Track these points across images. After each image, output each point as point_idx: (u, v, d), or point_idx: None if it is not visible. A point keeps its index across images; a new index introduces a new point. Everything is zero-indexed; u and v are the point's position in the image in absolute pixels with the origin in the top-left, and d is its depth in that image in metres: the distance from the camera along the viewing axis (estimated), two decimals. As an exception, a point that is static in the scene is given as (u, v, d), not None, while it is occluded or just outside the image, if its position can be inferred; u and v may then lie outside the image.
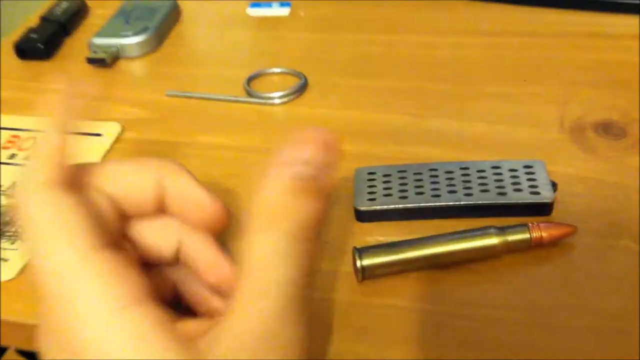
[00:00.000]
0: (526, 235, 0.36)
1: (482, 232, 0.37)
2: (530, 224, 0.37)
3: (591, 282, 0.36)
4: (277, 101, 0.51)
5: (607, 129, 0.45)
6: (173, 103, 0.52)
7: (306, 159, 0.27)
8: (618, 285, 0.35)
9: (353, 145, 0.46)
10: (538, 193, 0.39)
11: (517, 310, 0.35)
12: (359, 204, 0.40)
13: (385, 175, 0.42)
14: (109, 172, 0.29)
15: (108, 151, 0.48)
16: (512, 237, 0.36)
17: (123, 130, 0.50)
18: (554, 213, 0.39)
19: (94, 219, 0.25)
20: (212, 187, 0.43)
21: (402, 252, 0.37)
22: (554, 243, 0.37)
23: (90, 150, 0.47)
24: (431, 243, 0.37)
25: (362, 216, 0.40)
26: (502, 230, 0.36)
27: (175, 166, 0.30)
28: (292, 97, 0.51)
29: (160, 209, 0.30)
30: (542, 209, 0.39)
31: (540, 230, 0.36)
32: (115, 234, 0.28)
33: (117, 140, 0.49)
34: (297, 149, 0.28)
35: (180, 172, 0.30)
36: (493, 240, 0.36)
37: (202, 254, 0.30)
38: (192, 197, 0.30)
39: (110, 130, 0.49)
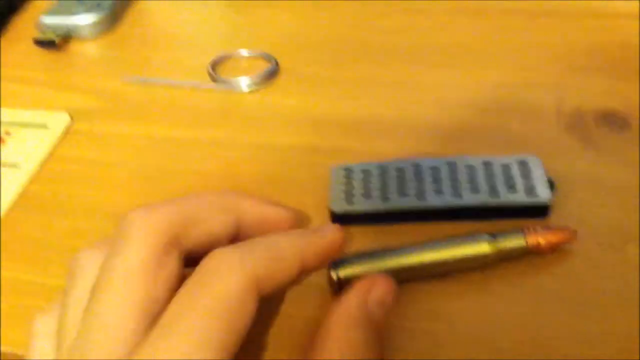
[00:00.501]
0: (522, 242, 0.32)
1: (473, 238, 0.33)
2: (526, 229, 0.32)
3: (593, 296, 0.32)
4: (244, 88, 0.46)
5: (608, 119, 0.41)
6: (129, 90, 0.47)
7: (379, 300, 0.28)
8: (625, 300, 0.31)
9: (329, 140, 0.42)
10: (534, 193, 0.35)
11: (512, 328, 0.31)
12: (334, 206, 0.36)
13: (364, 173, 0.37)
14: (189, 221, 0.27)
15: (54, 145, 0.42)
16: (506, 244, 0.32)
17: (72, 121, 0.45)
18: (551, 215, 0.35)
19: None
20: (171, 184, 0.39)
21: (382, 262, 0.32)
22: (552, 250, 0.33)
23: (34, 144, 0.42)
24: (415, 252, 0.32)
25: (338, 219, 0.36)
26: (495, 237, 0.32)
27: (247, 199, 0.30)
28: (261, 83, 0.46)
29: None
30: (538, 211, 0.35)
31: (537, 236, 0.32)
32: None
33: (66, 132, 0.44)
34: (373, 288, 0.29)
35: (252, 202, 0.30)
36: (485, 248, 0.32)
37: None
38: (267, 222, 0.30)
39: (57, 121, 0.44)
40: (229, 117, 0.44)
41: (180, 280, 0.26)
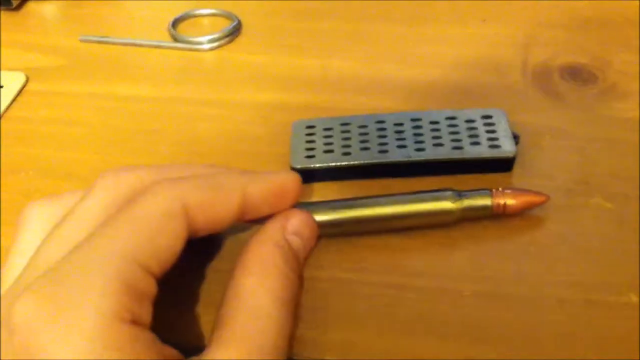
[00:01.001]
0: (487, 202, 0.31)
1: (438, 194, 0.32)
2: (493, 190, 0.32)
3: (559, 247, 0.31)
4: (206, 46, 0.45)
5: (575, 73, 0.40)
6: (87, 49, 0.46)
7: (294, 231, 0.29)
8: (589, 251, 0.31)
9: (292, 97, 0.41)
10: (498, 146, 0.34)
11: (475, 281, 0.30)
12: (295, 162, 0.35)
13: (326, 129, 0.37)
14: (195, 202, 0.26)
15: (10, 105, 0.41)
16: (471, 203, 0.32)
17: (28, 80, 0.43)
18: (516, 168, 0.35)
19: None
20: (131, 144, 0.38)
21: (343, 212, 0.32)
22: (519, 212, 0.32)
23: (-12, 105, 0.40)
24: (377, 203, 0.32)
25: (301, 176, 0.35)
26: (460, 195, 0.32)
27: (251, 175, 0.29)
28: (223, 41, 0.45)
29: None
30: (503, 165, 0.35)
31: (504, 198, 0.31)
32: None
33: (22, 92, 0.42)
34: (288, 220, 0.30)
35: (258, 176, 0.29)
36: (449, 205, 0.31)
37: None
38: (273, 192, 0.29)
39: (13, 80, 0.43)
40: (190, 75, 0.43)
41: (179, 244, 0.26)
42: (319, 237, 0.32)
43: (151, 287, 0.25)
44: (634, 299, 0.29)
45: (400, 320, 0.29)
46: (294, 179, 0.30)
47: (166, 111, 0.41)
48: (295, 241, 0.29)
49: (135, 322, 0.23)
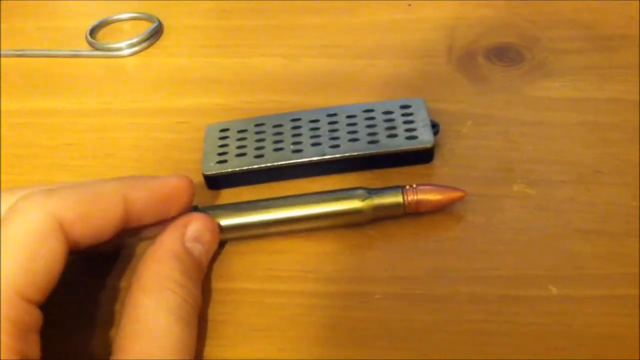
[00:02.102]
0: (399, 199, 0.30)
1: (347, 193, 0.30)
2: (406, 187, 0.30)
3: (478, 241, 0.30)
4: (126, 52, 0.43)
5: (501, 54, 0.39)
6: (4, 64, 0.44)
7: (194, 236, 0.28)
8: (509, 242, 0.30)
9: (210, 98, 0.39)
10: (415, 137, 0.33)
11: (387, 283, 0.29)
12: (206, 169, 0.33)
13: (240, 132, 0.35)
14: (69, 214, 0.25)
15: None
16: (382, 201, 0.30)
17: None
18: (436, 159, 0.33)
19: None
20: (46, 160, 0.37)
21: (247, 214, 0.30)
22: (435, 210, 0.30)
23: None
24: (284, 204, 0.30)
25: (212, 182, 0.34)
26: (370, 193, 0.30)
27: (135, 186, 0.27)
28: (143, 45, 0.43)
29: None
30: (422, 156, 0.33)
31: (417, 194, 0.30)
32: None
33: None
34: (186, 226, 0.28)
35: (142, 185, 0.27)
36: (358, 204, 0.30)
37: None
38: (161, 200, 0.28)
39: None
40: (109, 84, 0.42)
41: (58, 263, 0.24)
42: (224, 243, 0.30)
43: (36, 318, 0.24)
44: (554, 291, 0.28)
45: (312, 330, 0.28)
46: (182, 183, 0.28)
47: (83, 123, 0.39)
48: (197, 248, 0.28)
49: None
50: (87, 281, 0.30)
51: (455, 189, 0.30)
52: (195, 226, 0.28)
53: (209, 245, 0.29)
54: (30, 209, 0.24)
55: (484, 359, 0.26)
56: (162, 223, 0.28)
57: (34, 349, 0.23)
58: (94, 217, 0.25)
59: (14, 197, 0.25)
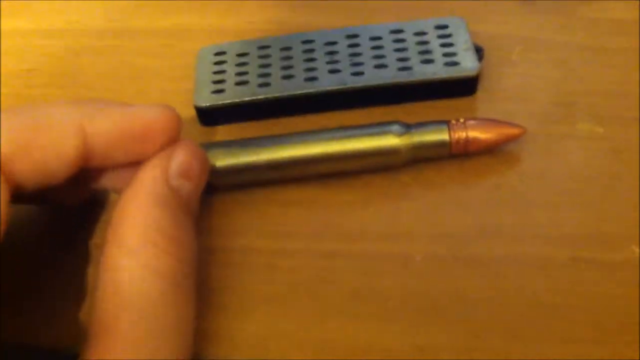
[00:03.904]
0: (444, 137, 0.24)
1: (380, 129, 0.24)
2: (452, 122, 0.24)
3: (538, 191, 0.24)
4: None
5: (549, -31, 0.32)
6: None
7: (181, 171, 0.21)
8: (577, 193, 0.24)
9: (201, 18, 0.33)
10: (457, 63, 0.27)
11: (430, 241, 0.23)
12: (199, 100, 0.27)
13: (240, 55, 0.29)
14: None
15: None
16: (423, 139, 0.24)
17: None
18: (479, 91, 0.27)
19: None
20: (15, 87, 0.30)
21: (253, 153, 0.24)
22: (485, 150, 0.25)
23: None
24: (300, 141, 0.24)
25: (206, 116, 0.28)
26: (408, 128, 0.24)
27: (99, 111, 0.21)
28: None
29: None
30: (463, 87, 0.27)
31: (467, 131, 0.24)
32: None
33: None
34: (170, 159, 0.21)
35: (107, 112, 0.21)
36: (394, 142, 0.24)
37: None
38: (131, 134, 0.21)
39: None
40: (74, 1, 0.35)
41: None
42: (223, 191, 0.24)
43: None
44: (637, 252, 0.22)
45: (333, 299, 0.22)
46: (164, 115, 0.21)
47: (47, 46, 0.33)
48: (185, 186, 0.21)
49: None
50: (48, 240, 0.24)
51: (512, 124, 0.24)
52: (180, 157, 0.22)
53: (199, 180, 0.22)
54: None
55: (549, 337, 0.20)
56: (137, 166, 0.21)
57: None
58: (40, 149, 0.19)
59: None
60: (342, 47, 0.28)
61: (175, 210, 0.20)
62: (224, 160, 0.24)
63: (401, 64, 0.27)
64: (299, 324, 0.22)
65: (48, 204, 0.25)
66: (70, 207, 0.25)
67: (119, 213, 0.20)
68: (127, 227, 0.20)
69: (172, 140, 0.22)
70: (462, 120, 0.24)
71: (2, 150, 0.18)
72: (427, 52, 0.27)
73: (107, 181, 0.22)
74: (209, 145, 0.24)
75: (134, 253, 0.19)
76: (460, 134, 0.24)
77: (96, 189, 0.23)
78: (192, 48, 0.30)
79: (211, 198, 0.25)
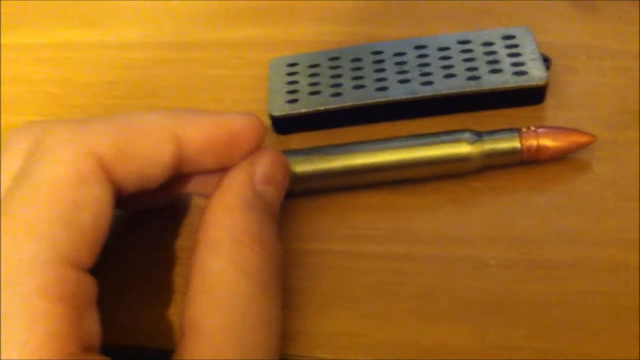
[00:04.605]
0: (516, 145, 0.25)
1: (452, 137, 0.25)
2: (523, 130, 0.25)
3: (607, 197, 0.25)
4: (170, -22, 0.37)
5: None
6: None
7: (266, 177, 0.22)
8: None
9: (271, 29, 0.34)
10: (525, 73, 0.27)
11: (504, 246, 0.24)
12: (273, 109, 0.28)
13: (311, 67, 0.30)
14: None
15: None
16: (494, 146, 0.25)
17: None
18: (547, 100, 0.28)
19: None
20: (80, 100, 0.32)
21: (329, 160, 0.25)
22: (555, 157, 0.25)
23: None
24: (374, 149, 0.25)
25: (281, 125, 0.29)
26: (480, 136, 0.25)
27: (190, 121, 0.22)
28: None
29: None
30: (531, 95, 0.28)
31: (537, 139, 0.25)
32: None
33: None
34: (254, 165, 0.23)
35: (199, 121, 0.22)
36: (466, 149, 0.25)
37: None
38: (221, 141, 0.22)
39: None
40: (153, 13, 0.36)
41: (107, 212, 0.20)
42: (300, 195, 0.26)
43: (91, 287, 0.19)
44: None
45: (407, 302, 0.23)
46: (251, 123, 0.22)
47: (125, 58, 0.34)
48: (270, 192, 0.23)
49: (84, 347, 0.17)
50: (136, 242, 0.25)
51: (581, 132, 0.25)
52: (265, 164, 0.23)
53: (282, 186, 0.23)
54: (61, 145, 0.19)
55: (622, 338, 0.21)
56: (222, 171, 0.23)
57: (94, 329, 0.19)
58: (139, 155, 0.20)
59: (38, 130, 0.20)
60: (411, 57, 0.29)
61: (261, 213, 0.22)
62: (300, 167, 0.25)
63: (469, 74, 0.28)
64: (374, 324, 0.23)
65: (134, 207, 0.26)
66: (154, 210, 0.26)
67: (208, 216, 0.21)
68: (217, 229, 0.21)
69: (257, 147, 0.23)
70: (532, 128, 0.25)
71: (105, 152, 0.20)
72: (495, 61, 0.28)
73: (193, 186, 0.24)
74: (286, 153, 0.26)
75: (224, 253, 0.20)
76: (531, 142, 0.25)
77: (183, 193, 0.25)
78: (261, 59, 0.31)
79: (288, 203, 0.26)
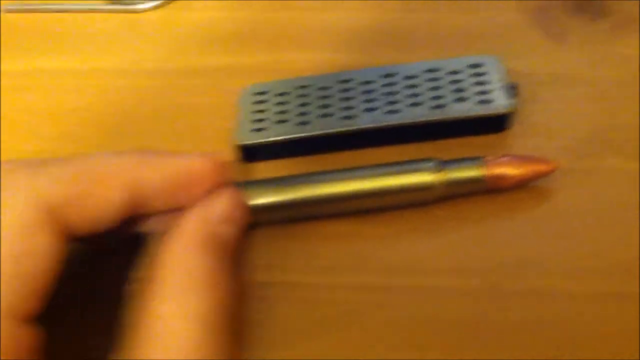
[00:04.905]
0: (479, 174, 0.25)
1: (415, 166, 0.25)
2: (487, 158, 0.25)
3: (569, 226, 0.25)
4: (146, 5, 0.38)
5: (582, 6, 0.33)
6: (11, 20, 0.39)
7: (224, 216, 0.23)
8: (609, 227, 0.24)
9: (245, 57, 0.34)
10: (489, 101, 0.28)
11: (465, 275, 0.24)
12: (240, 138, 0.29)
13: (280, 95, 0.30)
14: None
15: None
16: (457, 175, 0.25)
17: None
18: (515, 127, 0.28)
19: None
20: (51, 129, 0.32)
21: (291, 191, 0.25)
22: (519, 185, 0.25)
23: None
24: (336, 179, 0.25)
25: (248, 154, 0.29)
26: (443, 165, 0.25)
27: (148, 164, 0.22)
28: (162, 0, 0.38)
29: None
30: (496, 123, 0.28)
31: (501, 167, 0.25)
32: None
33: None
34: (213, 204, 0.23)
35: (157, 163, 0.22)
36: (429, 178, 0.25)
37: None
38: (179, 183, 0.22)
39: None
40: (125, 41, 0.37)
41: (54, 261, 0.20)
42: (263, 226, 0.26)
43: (36, 337, 0.19)
44: (669, 286, 0.22)
45: (371, 332, 0.23)
46: (211, 163, 0.23)
47: (95, 86, 0.34)
48: (227, 232, 0.23)
49: None
50: (91, 277, 0.25)
51: (544, 160, 0.25)
52: (223, 203, 0.23)
53: (240, 225, 0.24)
54: (10, 193, 0.19)
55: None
56: (180, 211, 0.23)
57: None
58: (92, 202, 0.20)
59: None
60: (378, 85, 0.29)
61: (217, 254, 0.21)
62: (264, 197, 0.25)
63: (435, 102, 0.28)
64: (336, 356, 0.23)
65: (89, 245, 0.26)
66: (109, 248, 0.26)
67: (159, 258, 0.21)
68: (168, 273, 0.21)
69: (217, 186, 0.23)
70: (496, 156, 0.25)
71: (56, 201, 0.20)
72: (461, 90, 0.28)
73: (150, 225, 0.24)
74: (249, 183, 0.26)
75: (174, 299, 0.20)
76: (494, 170, 0.25)
77: (139, 232, 0.25)
78: (233, 87, 0.31)
79: (252, 233, 0.26)
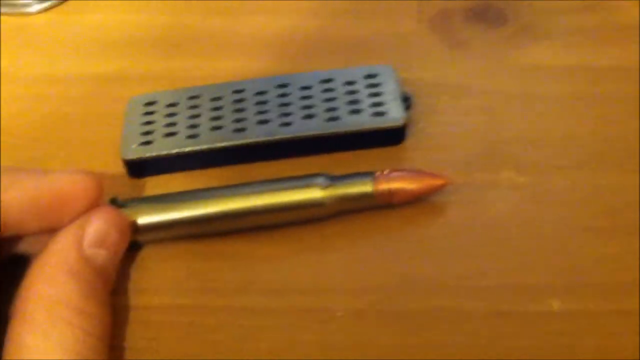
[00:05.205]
0: (368, 188, 0.24)
1: (304, 182, 0.25)
2: (377, 174, 0.24)
3: (460, 242, 0.24)
4: (34, 8, 0.36)
5: (481, 14, 0.33)
6: None
7: (96, 240, 0.21)
8: (500, 243, 0.24)
9: (135, 63, 0.33)
10: (383, 113, 0.27)
11: (352, 295, 0.23)
12: (126, 152, 0.27)
13: (170, 106, 0.29)
14: None
15: None
16: (347, 191, 0.24)
17: None
18: (409, 139, 0.27)
19: None
20: None
21: (173, 208, 0.24)
22: (411, 200, 0.25)
23: None
24: (223, 196, 0.24)
25: (134, 169, 0.27)
26: (333, 181, 0.24)
27: (8, 176, 0.21)
28: (55, 1, 0.36)
29: None
30: (390, 136, 0.27)
31: (390, 183, 0.24)
32: None
33: None
34: (84, 227, 0.21)
35: (19, 177, 0.21)
36: (318, 194, 0.24)
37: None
38: (45, 203, 0.21)
39: None
40: (9, 45, 0.34)
41: None
42: (144, 246, 0.24)
43: None
44: (555, 305, 0.22)
45: (258, 357, 0.22)
46: (82, 182, 0.21)
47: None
48: (100, 256, 0.21)
49: None
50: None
51: (435, 175, 0.24)
52: (96, 225, 0.21)
53: (117, 248, 0.22)
54: None
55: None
56: (52, 232, 0.21)
57: None
58: None
59: None
60: (272, 96, 0.28)
61: (88, 280, 0.20)
62: (145, 216, 0.24)
63: (330, 114, 0.27)
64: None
65: None
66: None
67: (26, 286, 0.20)
68: (34, 302, 0.19)
69: (91, 207, 0.22)
70: (386, 171, 0.24)
71: None
72: (356, 101, 0.27)
73: (25, 247, 0.22)
74: (132, 201, 0.24)
75: (39, 330, 0.19)
76: (385, 186, 0.24)
77: (14, 254, 0.23)
78: (122, 95, 0.30)
79: (132, 254, 0.24)
